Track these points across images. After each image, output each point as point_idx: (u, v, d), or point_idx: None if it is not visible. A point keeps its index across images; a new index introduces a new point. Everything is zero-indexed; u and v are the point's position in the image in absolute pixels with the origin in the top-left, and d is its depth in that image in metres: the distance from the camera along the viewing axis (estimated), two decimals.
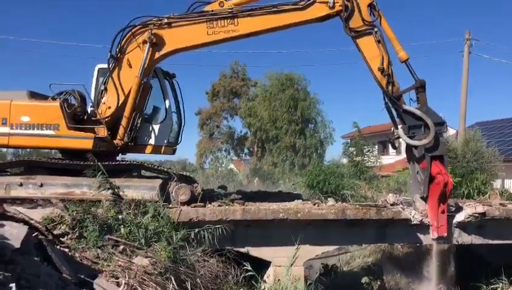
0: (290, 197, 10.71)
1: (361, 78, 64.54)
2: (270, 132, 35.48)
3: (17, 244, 4.44)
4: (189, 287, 6.06)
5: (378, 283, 12.60)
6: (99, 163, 7.74)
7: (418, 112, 8.11)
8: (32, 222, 5.83)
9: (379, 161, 20.98)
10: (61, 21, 74.56)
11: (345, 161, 20.88)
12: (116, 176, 8.03)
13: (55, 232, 6.39)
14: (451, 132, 22.73)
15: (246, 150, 43.43)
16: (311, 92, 36.21)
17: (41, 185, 8.00)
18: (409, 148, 8.44)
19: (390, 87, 8.29)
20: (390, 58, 8.34)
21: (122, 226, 6.93)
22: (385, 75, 8.25)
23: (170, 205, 8.06)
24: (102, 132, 8.40)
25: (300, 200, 10.00)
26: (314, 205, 9.01)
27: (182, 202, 8.21)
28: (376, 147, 26.64)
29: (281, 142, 35.17)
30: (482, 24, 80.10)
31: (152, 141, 9.05)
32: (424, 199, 8.22)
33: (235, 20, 8.33)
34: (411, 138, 8.18)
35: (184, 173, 8.86)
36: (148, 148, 9.04)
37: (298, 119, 35.08)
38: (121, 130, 8.53)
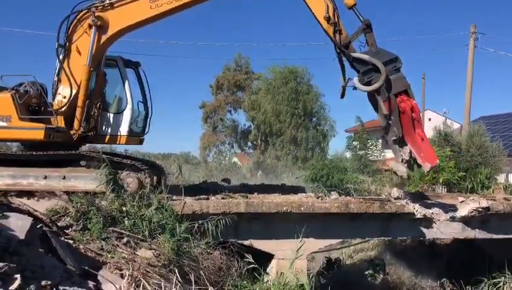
0: (292, 190, 10.69)
1: None
2: (274, 126, 35.43)
3: (21, 235, 4.48)
4: (192, 279, 6.07)
5: (381, 276, 12.63)
6: (38, 153, 7.74)
7: (365, 57, 7.87)
8: (36, 213, 5.86)
9: (382, 154, 20.92)
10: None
11: (348, 154, 20.84)
12: (62, 166, 7.98)
13: (59, 224, 6.41)
14: (455, 126, 22.62)
15: (249, 144, 43.41)
16: (314, 86, 36.18)
17: None
18: (373, 98, 8.10)
19: (338, 36, 8.09)
20: (336, 6, 8.12)
21: (126, 218, 6.95)
22: (331, 23, 8.05)
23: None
24: (57, 122, 8.28)
25: (304, 194, 9.99)
26: (318, 198, 9.00)
27: (132, 191, 7.81)
28: (379, 141, 26.53)
29: (284, 135, 35.14)
30: (488, 17, 79.51)
31: (111, 131, 8.85)
32: (401, 139, 7.92)
33: None
34: (368, 83, 7.89)
35: (131, 162, 8.36)
36: (108, 138, 8.88)
37: (301, 112, 35.01)
38: (75, 121, 8.38)
